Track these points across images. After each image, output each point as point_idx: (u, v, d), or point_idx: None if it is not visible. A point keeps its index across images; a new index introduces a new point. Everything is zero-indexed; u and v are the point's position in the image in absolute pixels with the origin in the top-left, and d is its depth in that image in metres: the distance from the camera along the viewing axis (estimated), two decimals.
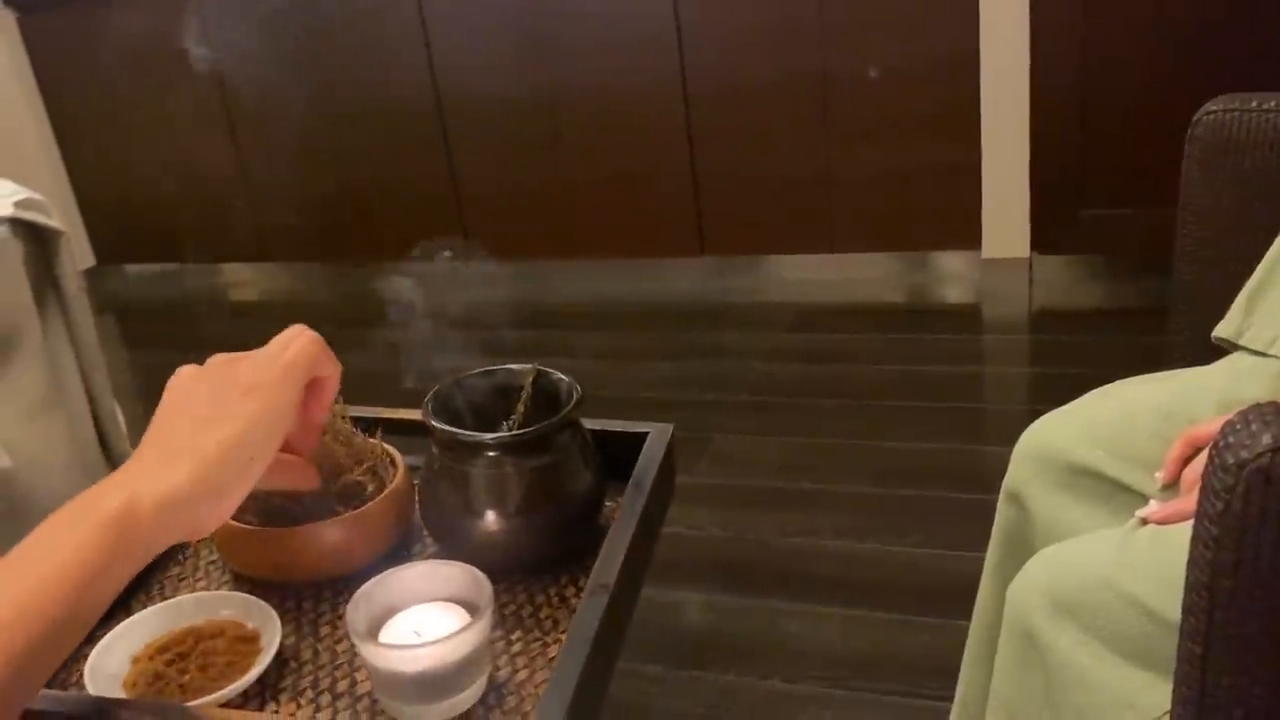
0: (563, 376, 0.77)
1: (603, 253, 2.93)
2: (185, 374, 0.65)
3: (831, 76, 2.59)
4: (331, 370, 0.67)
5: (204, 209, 3.21)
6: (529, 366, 0.78)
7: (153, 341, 3.02)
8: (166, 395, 0.64)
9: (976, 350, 2.46)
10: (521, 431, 0.73)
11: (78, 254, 1.66)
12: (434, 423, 0.73)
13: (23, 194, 1.59)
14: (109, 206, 3.30)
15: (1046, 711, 0.75)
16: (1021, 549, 0.92)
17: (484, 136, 2.90)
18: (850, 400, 2.25)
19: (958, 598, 1.19)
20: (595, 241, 2.92)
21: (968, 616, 1.06)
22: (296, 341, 0.66)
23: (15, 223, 1.56)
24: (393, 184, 3.02)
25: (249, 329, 2.99)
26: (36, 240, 1.62)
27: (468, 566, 0.67)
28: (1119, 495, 0.87)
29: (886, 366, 2.38)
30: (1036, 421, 0.97)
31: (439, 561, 0.70)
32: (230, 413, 0.61)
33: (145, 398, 0.71)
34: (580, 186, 2.87)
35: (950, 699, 1.10)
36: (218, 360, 0.65)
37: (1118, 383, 0.98)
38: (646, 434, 0.83)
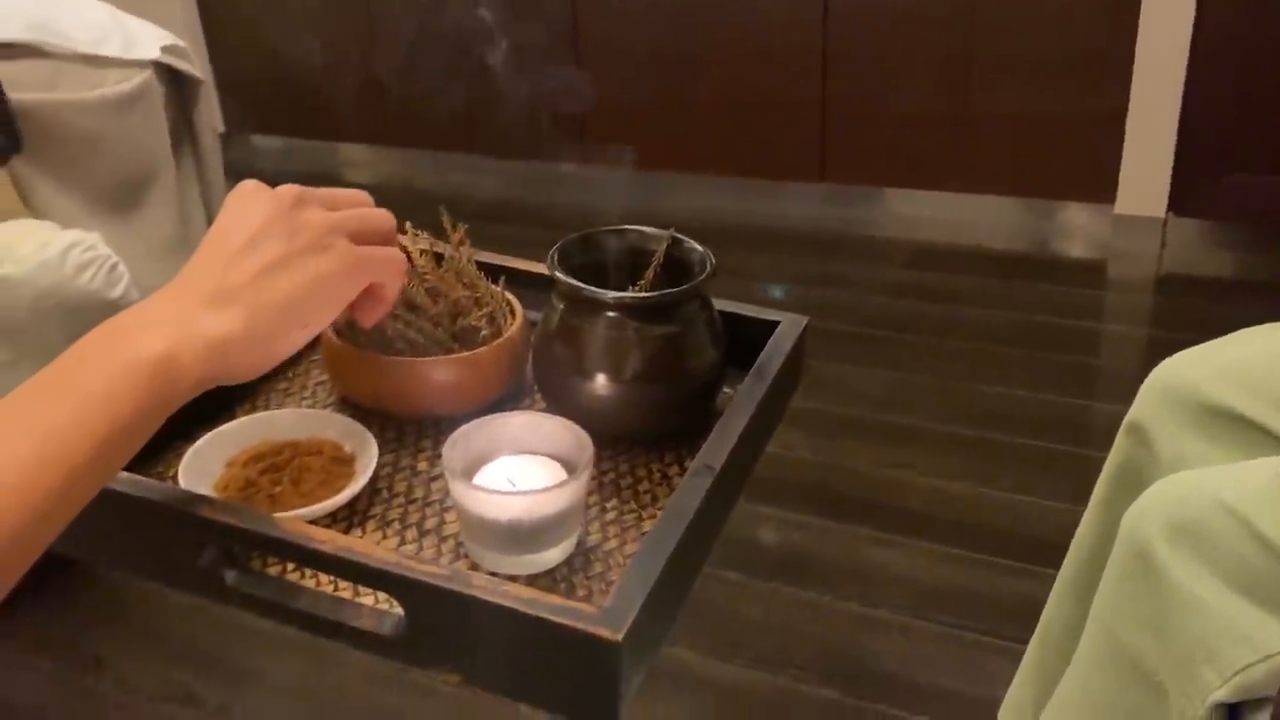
0: (697, 246, 0.72)
1: (721, 170, 2.86)
2: (250, 190, 0.58)
3: (980, 7, 2.48)
4: (396, 283, 0.61)
5: (331, 88, 3.23)
6: (664, 231, 0.73)
7: None
8: (229, 210, 0.58)
9: (1096, 306, 2.34)
10: (648, 294, 0.68)
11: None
12: (558, 274, 0.68)
13: (168, 39, 1.62)
14: (243, 76, 3.33)
15: (1151, 636, 0.72)
16: (1135, 485, 0.87)
17: (616, 44, 2.84)
18: (959, 342, 2.16)
19: (1049, 547, 1.14)
20: (714, 157, 2.84)
21: (1057, 566, 1.00)
22: (382, 253, 0.60)
23: (159, 67, 1.59)
24: (520, 82, 3.01)
25: None
26: (176, 88, 1.65)
27: (571, 424, 0.64)
28: (1253, 437, 0.82)
29: (1000, 312, 2.27)
30: (1172, 356, 0.90)
31: (544, 415, 0.66)
32: (299, 265, 0.55)
33: None
34: (706, 100, 2.79)
35: (1027, 644, 1.07)
36: (288, 193, 0.58)
37: (1262, 326, 0.91)
38: (778, 323, 0.77)
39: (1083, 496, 0.99)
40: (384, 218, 0.62)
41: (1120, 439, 0.94)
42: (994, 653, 1.36)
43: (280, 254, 0.55)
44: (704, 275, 0.70)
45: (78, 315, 1.33)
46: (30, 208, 1.39)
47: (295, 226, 0.56)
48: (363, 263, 0.58)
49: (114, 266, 1.37)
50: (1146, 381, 0.92)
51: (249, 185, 0.59)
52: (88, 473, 0.48)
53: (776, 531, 1.63)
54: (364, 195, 0.63)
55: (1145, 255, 2.49)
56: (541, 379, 0.74)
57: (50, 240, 1.31)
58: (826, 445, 1.82)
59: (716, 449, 0.65)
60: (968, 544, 1.56)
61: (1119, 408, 0.95)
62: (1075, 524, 0.99)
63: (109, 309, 1.35)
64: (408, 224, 0.75)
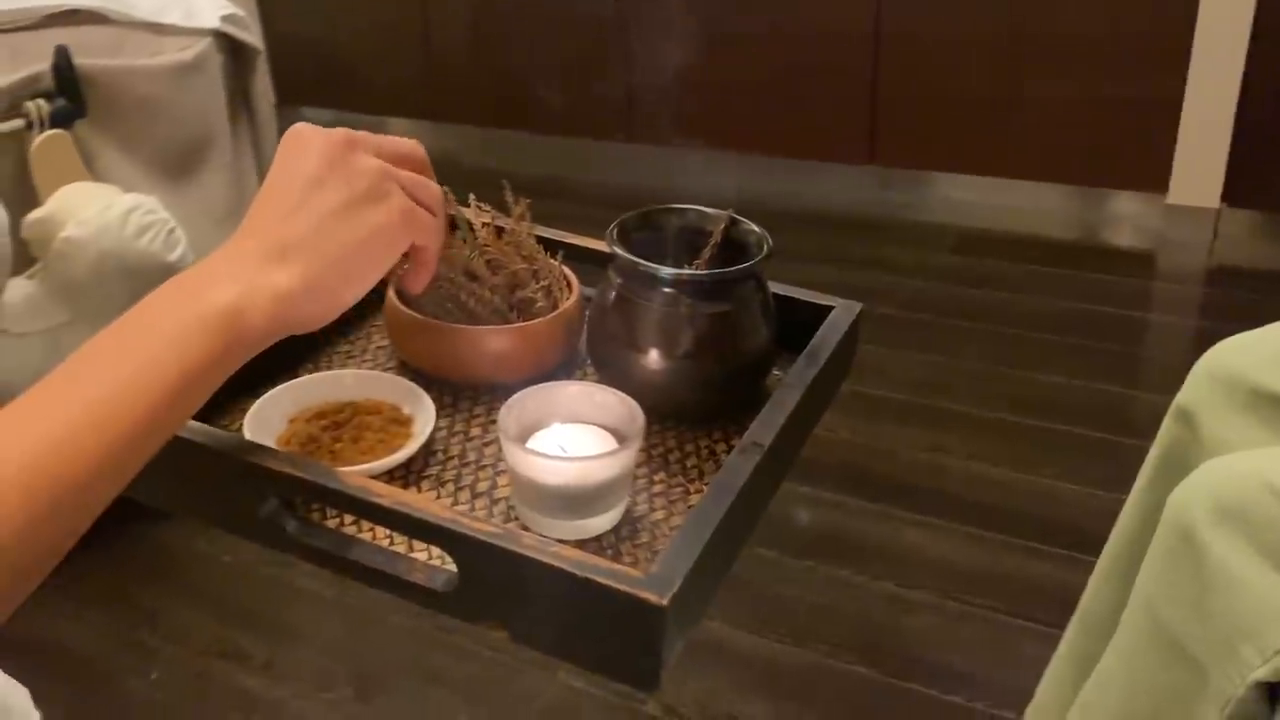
0: (755, 228, 0.73)
1: (769, 149, 2.85)
2: (304, 132, 0.59)
3: None
4: (437, 246, 0.63)
5: (381, 62, 3.26)
6: (723, 211, 0.74)
7: None
8: (284, 154, 0.58)
9: (1144, 296, 2.31)
10: (703, 272, 0.69)
11: None
12: (616, 249, 0.69)
13: (227, 9, 1.65)
14: (294, 48, 3.36)
15: (1193, 615, 0.73)
16: (1181, 469, 0.87)
17: (664, 20, 2.84)
18: (1003, 328, 2.15)
19: (1088, 534, 1.15)
20: (763, 137, 2.84)
21: (1095, 553, 1.01)
22: (428, 218, 0.61)
23: (218, 36, 1.62)
24: (565, 60, 3.01)
25: None
26: (234, 57, 1.68)
27: (624, 395, 0.65)
28: None
29: (1047, 299, 2.26)
30: (1223, 341, 0.90)
31: (597, 385, 0.68)
32: (357, 215, 0.56)
33: None
34: (755, 79, 2.78)
35: (1063, 629, 1.08)
36: (341, 136, 0.59)
37: None
38: (831, 308, 0.78)
39: (1124, 485, 0.99)
40: (434, 189, 0.63)
41: (1167, 423, 0.94)
42: (1028, 636, 1.37)
43: (339, 202, 0.56)
44: (760, 256, 0.70)
45: (137, 276, 1.37)
46: (93, 171, 1.43)
47: (351, 172, 0.57)
48: (414, 213, 0.60)
49: (172, 230, 1.41)
50: (1196, 366, 0.92)
51: (302, 128, 0.60)
52: (157, 422, 0.50)
53: (814, 511, 1.64)
54: (415, 145, 0.64)
55: (1197, 246, 2.46)
56: (595, 352, 0.75)
57: (112, 203, 1.35)
58: (867, 427, 1.83)
59: (766, 427, 0.66)
60: (1004, 528, 1.57)
61: (1165, 398, 0.95)
62: (1115, 512, 0.99)
63: (167, 271, 1.39)
64: (470, 196, 0.77)
